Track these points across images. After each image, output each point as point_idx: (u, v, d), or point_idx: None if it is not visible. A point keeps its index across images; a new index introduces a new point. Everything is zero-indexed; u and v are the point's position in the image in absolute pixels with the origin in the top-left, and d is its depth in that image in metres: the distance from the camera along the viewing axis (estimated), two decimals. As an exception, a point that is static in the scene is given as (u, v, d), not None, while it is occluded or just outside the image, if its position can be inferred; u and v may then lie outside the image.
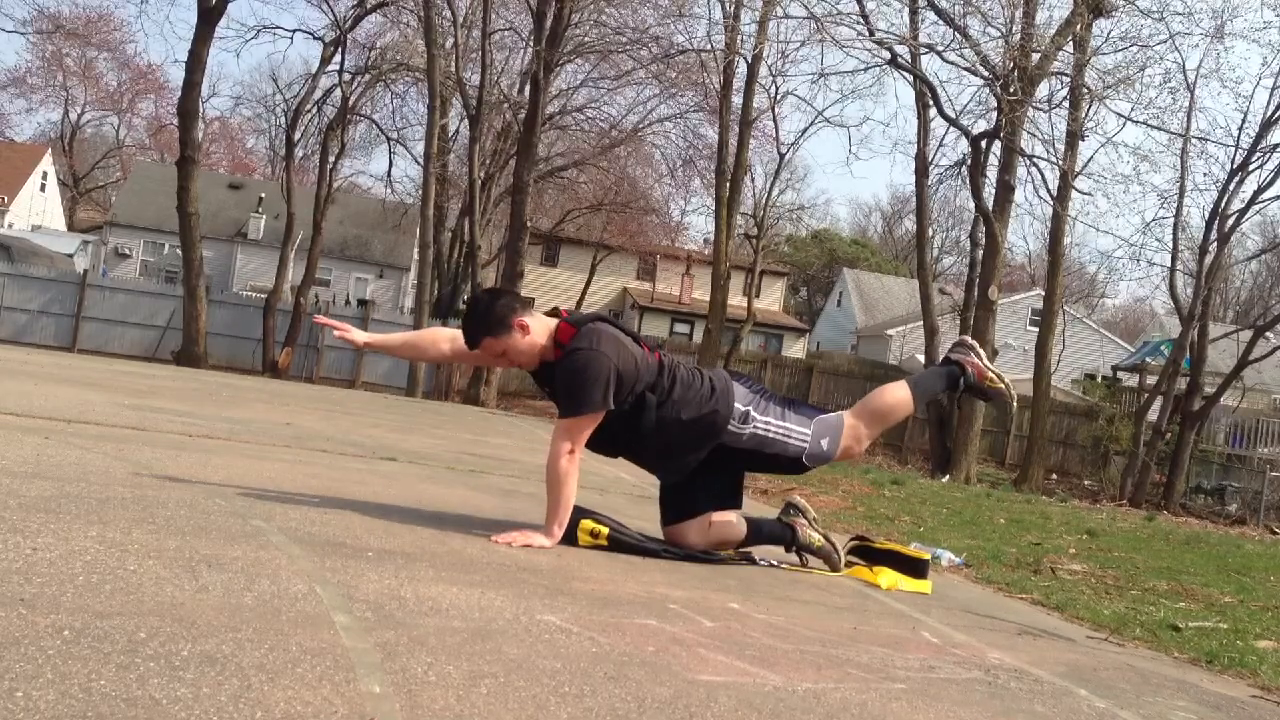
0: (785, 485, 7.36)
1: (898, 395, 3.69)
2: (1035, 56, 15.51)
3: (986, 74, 15.72)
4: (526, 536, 3.24)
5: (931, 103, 17.53)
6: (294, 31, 38.89)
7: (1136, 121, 17.01)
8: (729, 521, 3.60)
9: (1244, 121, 22.62)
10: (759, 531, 3.68)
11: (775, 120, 24.77)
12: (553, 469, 3.28)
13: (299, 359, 21.51)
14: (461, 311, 3.63)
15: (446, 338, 3.75)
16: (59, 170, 43.13)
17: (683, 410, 3.39)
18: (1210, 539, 9.99)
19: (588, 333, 3.30)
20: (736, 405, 3.47)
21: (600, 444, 3.46)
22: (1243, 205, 19.78)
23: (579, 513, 3.50)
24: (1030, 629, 3.35)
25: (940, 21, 16.04)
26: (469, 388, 19.66)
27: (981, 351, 3.74)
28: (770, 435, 3.50)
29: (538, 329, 3.34)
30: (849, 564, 3.81)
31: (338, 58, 23.07)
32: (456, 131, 24.61)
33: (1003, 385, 3.70)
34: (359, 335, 3.62)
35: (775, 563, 3.69)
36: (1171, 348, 20.93)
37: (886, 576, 3.72)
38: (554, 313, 3.45)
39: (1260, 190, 19.71)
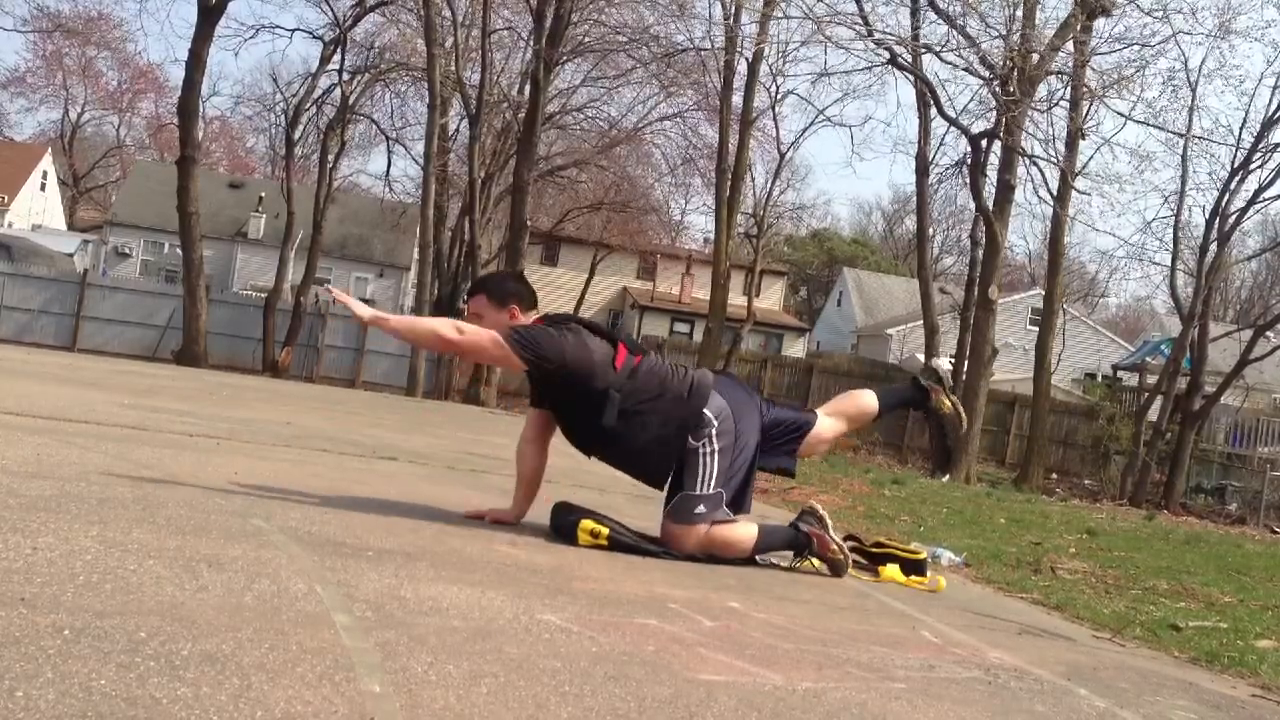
0: (785, 484, 7.36)
1: (745, 534, 3.55)
2: (1034, 56, 15.50)
3: (986, 73, 15.72)
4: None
5: (932, 102, 17.54)
6: (293, 31, 38.84)
7: (1137, 121, 17.11)
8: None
9: (1245, 120, 22.60)
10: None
11: (775, 120, 24.80)
12: (429, 336, 3.56)
13: (299, 358, 21.50)
14: (460, 312, 3.70)
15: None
16: (59, 169, 43.11)
17: (648, 416, 3.42)
18: (1210, 538, 9.99)
19: (555, 319, 3.53)
20: (706, 411, 3.44)
21: (577, 442, 3.57)
22: (1244, 204, 19.81)
23: (580, 512, 3.51)
24: (1030, 628, 3.35)
25: (940, 21, 16.05)
26: (469, 387, 19.66)
27: (829, 523, 3.68)
28: (701, 467, 3.43)
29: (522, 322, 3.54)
30: (854, 564, 3.80)
31: (337, 57, 23.08)
32: (456, 131, 24.57)
33: (842, 558, 3.65)
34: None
35: (775, 562, 3.69)
36: (1172, 347, 20.93)
37: (892, 574, 3.73)
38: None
39: (1261, 189, 19.75)
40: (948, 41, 15.76)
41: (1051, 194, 17.19)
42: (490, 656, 1.94)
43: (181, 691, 1.49)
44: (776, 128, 25.44)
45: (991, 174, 17.71)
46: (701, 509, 3.44)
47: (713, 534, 3.48)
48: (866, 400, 3.96)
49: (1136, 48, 16.13)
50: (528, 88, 20.59)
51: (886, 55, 16.23)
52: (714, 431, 3.44)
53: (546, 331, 3.42)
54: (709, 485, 3.44)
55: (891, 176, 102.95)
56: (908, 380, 4.18)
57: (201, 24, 18.85)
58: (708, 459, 3.43)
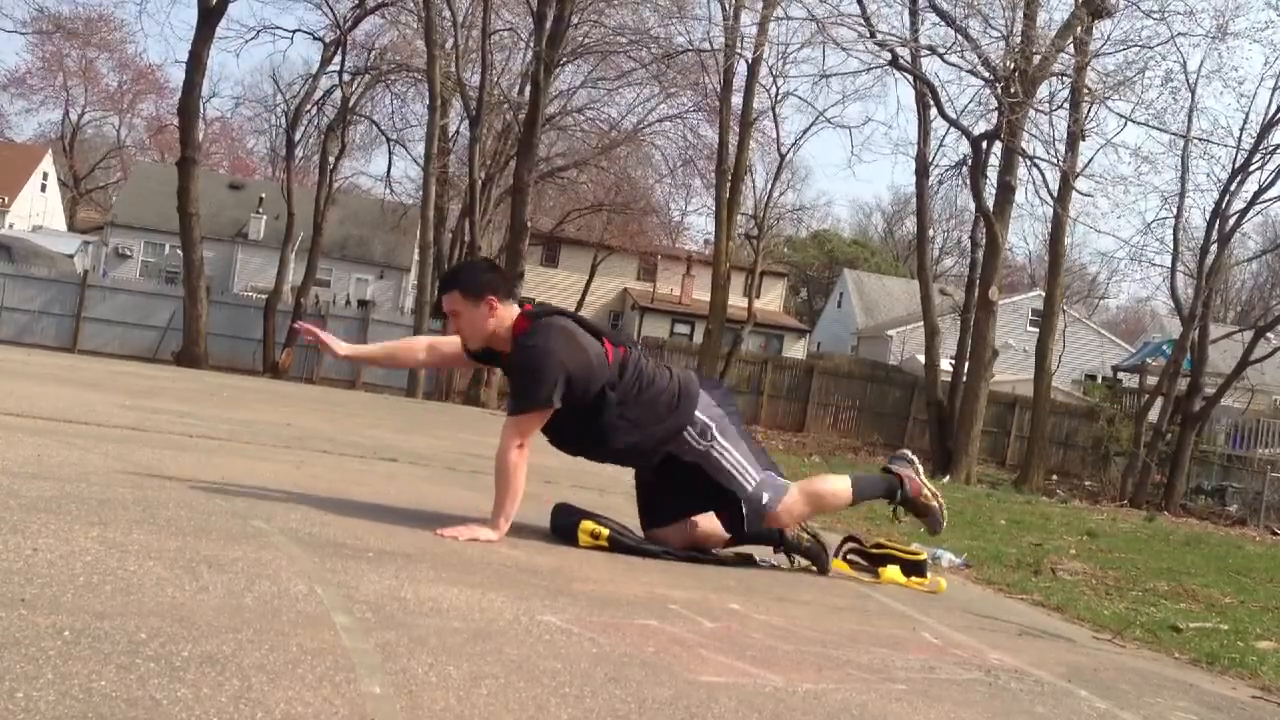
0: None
1: (839, 485, 3.60)
2: (1036, 58, 15.51)
3: (987, 75, 15.73)
4: (473, 530, 3.22)
5: (932, 103, 17.54)
6: (294, 32, 38.68)
7: (1137, 122, 17.02)
8: (710, 517, 3.55)
9: (1245, 122, 22.61)
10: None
11: (776, 121, 24.84)
12: (501, 462, 3.26)
13: (299, 360, 21.50)
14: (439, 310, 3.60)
15: (423, 345, 3.76)
16: (59, 171, 43.14)
17: (643, 411, 3.37)
18: (1211, 540, 9.99)
19: (541, 328, 3.30)
20: (698, 414, 3.43)
21: (561, 442, 3.48)
22: (1244, 206, 19.81)
23: (580, 514, 3.50)
24: (1031, 629, 3.35)
25: (941, 23, 16.06)
26: (469, 388, 19.66)
27: (920, 467, 3.67)
28: (725, 464, 3.43)
29: (502, 316, 3.35)
30: (855, 565, 3.80)
31: (338, 58, 23.10)
32: (457, 132, 24.59)
33: (936, 504, 3.65)
34: (340, 346, 3.58)
35: (776, 563, 3.68)
36: (1172, 348, 20.92)
37: (892, 575, 3.73)
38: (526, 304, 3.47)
39: (1261, 191, 19.75)
40: (952, 44, 15.79)
41: (1052, 195, 17.20)
42: (491, 658, 1.94)
43: (182, 693, 1.49)
44: (777, 129, 25.49)
45: (992, 175, 17.73)
46: (768, 496, 3.44)
47: (805, 490, 3.52)
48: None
49: (1136, 49, 16.15)
50: (528, 89, 20.59)
51: (888, 56, 16.24)
52: (715, 429, 3.45)
53: (544, 360, 3.22)
54: (751, 474, 3.44)
55: (892, 177, 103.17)
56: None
57: (201, 25, 18.86)
58: (729, 454, 3.43)
